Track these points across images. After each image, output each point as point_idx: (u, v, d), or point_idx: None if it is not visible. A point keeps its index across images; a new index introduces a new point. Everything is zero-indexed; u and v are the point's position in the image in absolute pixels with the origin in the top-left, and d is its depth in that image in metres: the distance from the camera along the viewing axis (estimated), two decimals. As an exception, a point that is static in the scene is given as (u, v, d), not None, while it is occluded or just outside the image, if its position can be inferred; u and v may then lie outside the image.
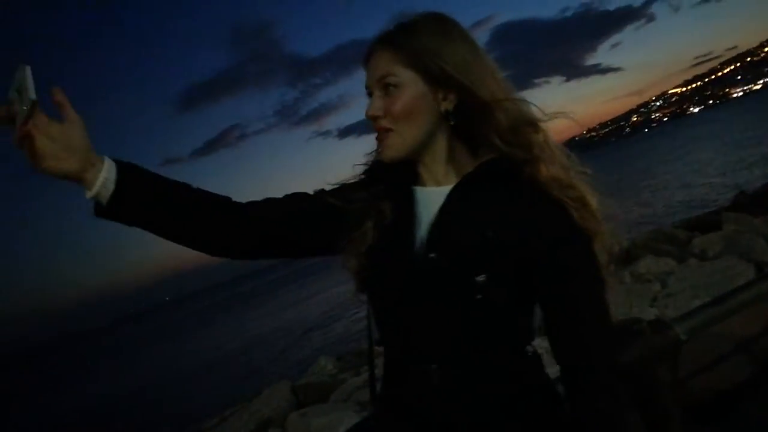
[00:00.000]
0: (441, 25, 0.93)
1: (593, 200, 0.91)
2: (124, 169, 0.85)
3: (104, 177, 0.83)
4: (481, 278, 0.87)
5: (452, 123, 0.94)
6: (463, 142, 0.97)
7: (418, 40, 0.91)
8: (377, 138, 0.97)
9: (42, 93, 0.79)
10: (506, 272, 0.88)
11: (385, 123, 0.94)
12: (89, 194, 0.83)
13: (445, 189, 0.96)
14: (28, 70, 0.75)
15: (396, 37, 0.93)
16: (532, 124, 0.91)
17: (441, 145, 0.97)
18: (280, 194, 1.03)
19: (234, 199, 0.99)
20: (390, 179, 1.01)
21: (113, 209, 0.85)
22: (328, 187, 1.08)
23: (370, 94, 0.96)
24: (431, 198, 0.98)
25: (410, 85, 0.92)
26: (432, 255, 0.91)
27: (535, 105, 0.94)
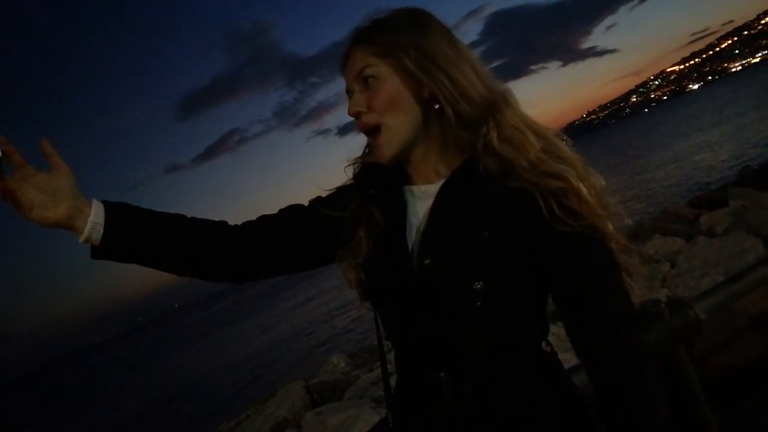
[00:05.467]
0: (414, 18, 0.91)
1: (584, 185, 0.84)
2: (112, 211, 0.86)
3: (93, 221, 0.84)
4: (478, 285, 0.83)
5: (437, 107, 0.88)
6: (453, 135, 0.90)
7: (390, 33, 0.88)
8: (368, 145, 0.93)
9: (28, 142, 0.85)
10: (506, 274, 0.84)
11: (369, 118, 0.90)
12: (81, 239, 0.84)
13: (434, 188, 0.91)
14: None
15: (368, 32, 0.91)
16: (481, 116, 0.86)
17: (433, 136, 0.92)
18: (282, 195, 1.02)
19: (235, 206, 0.98)
20: (379, 181, 0.98)
21: (105, 251, 0.86)
22: (323, 194, 1.05)
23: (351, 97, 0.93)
24: (421, 198, 0.94)
25: (389, 75, 0.89)
26: (426, 261, 0.87)
27: (509, 96, 0.89)
